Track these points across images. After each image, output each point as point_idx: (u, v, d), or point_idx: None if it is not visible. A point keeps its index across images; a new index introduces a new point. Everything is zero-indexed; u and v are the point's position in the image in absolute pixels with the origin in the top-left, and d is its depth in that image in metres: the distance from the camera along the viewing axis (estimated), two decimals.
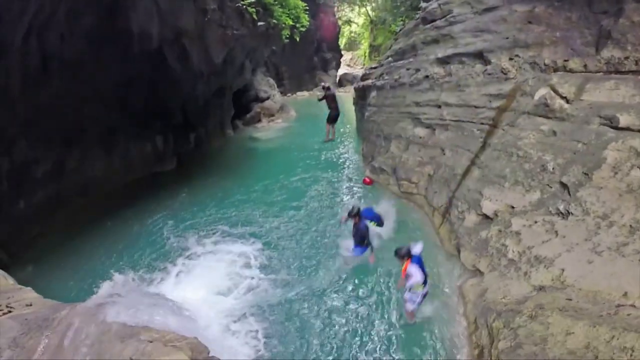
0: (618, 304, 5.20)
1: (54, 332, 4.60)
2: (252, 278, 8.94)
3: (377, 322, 7.53)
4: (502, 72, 10.66)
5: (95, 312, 5.08)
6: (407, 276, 7.09)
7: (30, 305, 5.24)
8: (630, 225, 6.08)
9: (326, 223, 11.32)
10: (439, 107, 12.39)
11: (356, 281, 8.72)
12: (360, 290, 8.41)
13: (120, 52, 13.30)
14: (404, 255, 7.25)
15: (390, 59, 16.88)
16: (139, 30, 13.23)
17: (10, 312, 4.94)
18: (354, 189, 14.21)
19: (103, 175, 14.14)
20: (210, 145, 21.74)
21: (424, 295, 7.37)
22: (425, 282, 7.24)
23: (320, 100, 17.43)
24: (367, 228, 9.06)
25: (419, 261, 7.29)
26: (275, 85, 33.60)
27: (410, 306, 7.39)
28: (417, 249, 7.41)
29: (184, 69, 16.53)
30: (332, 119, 17.93)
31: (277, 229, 11.10)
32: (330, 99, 17.25)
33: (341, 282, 8.72)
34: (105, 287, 7.48)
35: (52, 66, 11.16)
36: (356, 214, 9.16)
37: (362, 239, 9.07)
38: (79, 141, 12.99)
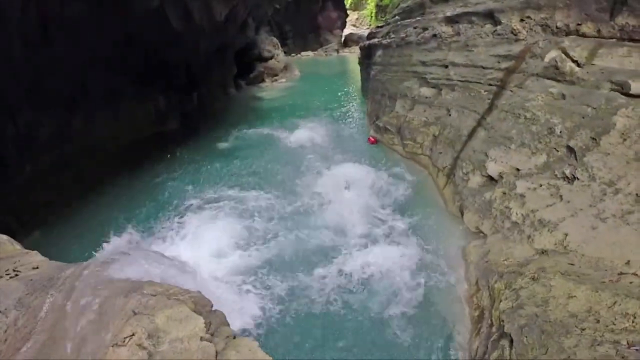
0: (620, 271, 5.22)
1: (58, 290, 4.63)
2: (255, 238, 8.94)
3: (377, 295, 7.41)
4: (512, 33, 10.43)
5: (100, 270, 5.11)
6: None
7: (37, 267, 5.26)
8: (637, 194, 6.04)
9: (328, 181, 11.25)
10: (446, 66, 12.18)
11: (356, 241, 8.68)
12: (360, 252, 8.33)
13: (120, 12, 12.90)
14: None
15: (397, 17, 16.56)
16: None
17: (17, 275, 4.96)
18: (358, 149, 14.12)
19: (108, 136, 14.03)
20: (213, 104, 21.58)
21: None
22: None
23: None
24: None
25: None
26: (279, 45, 33.12)
27: None
28: None
29: (186, 27, 16.20)
30: None
31: (280, 189, 11.08)
32: None
33: (343, 241, 8.69)
34: (110, 246, 7.54)
35: (52, 30, 10.86)
36: None
37: None
38: (82, 103, 12.84)
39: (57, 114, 11.76)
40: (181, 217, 9.95)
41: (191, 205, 10.48)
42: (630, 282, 4.95)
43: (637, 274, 5.10)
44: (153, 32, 14.89)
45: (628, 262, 5.32)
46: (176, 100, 18.29)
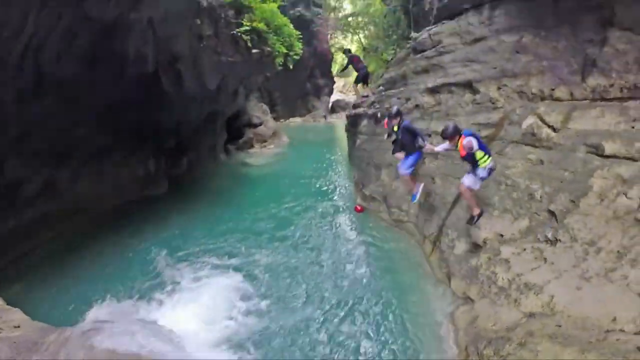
0: (607, 329, 5.26)
1: (42, 356, 4.57)
2: (242, 308, 8.78)
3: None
4: (490, 101, 10.84)
5: (84, 338, 5.06)
6: (467, 150, 7.56)
7: (19, 327, 5.20)
8: (618, 251, 6.18)
9: (315, 254, 11.22)
10: (429, 135, 12.45)
11: (345, 311, 8.60)
12: (349, 322, 8.28)
13: (115, 73, 13.24)
14: (452, 133, 7.76)
15: (381, 87, 17.11)
16: (135, 53, 13.23)
17: None
18: (345, 217, 14.16)
19: (94, 196, 14.06)
20: (202, 169, 21.75)
21: (491, 170, 7.85)
22: (489, 154, 7.74)
23: (344, 68, 19.24)
24: (410, 129, 9.44)
25: (473, 134, 7.73)
26: (269, 111, 33.85)
27: (477, 186, 8.03)
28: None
29: (178, 93, 16.61)
30: (362, 78, 19.01)
31: (266, 259, 10.94)
32: (356, 60, 18.51)
33: (330, 311, 8.60)
34: (94, 312, 7.43)
35: (45, 85, 11.05)
36: (397, 114, 9.63)
37: (408, 144, 9.37)
38: (70, 161, 12.93)
39: (45, 168, 11.88)
40: (168, 284, 9.79)
41: (179, 272, 10.31)
42: (617, 340, 4.99)
43: (623, 330, 5.13)
44: (146, 96, 15.20)
45: (614, 319, 5.37)
46: (166, 164, 18.40)
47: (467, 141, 7.61)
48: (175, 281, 9.92)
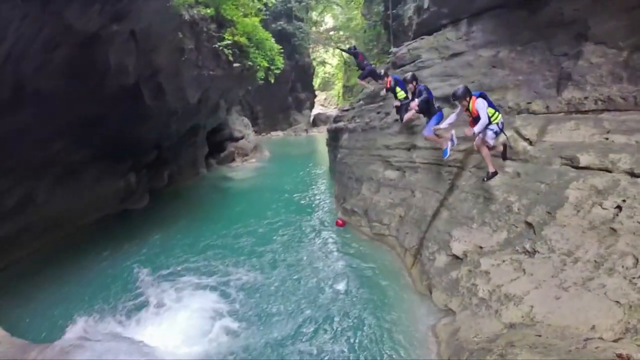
0: (586, 337, 5.30)
1: None
2: (221, 326, 8.57)
3: None
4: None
5: (64, 355, 4.99)
6: (479, 111, 8.15)
7: None
8: (595, 261, 6.28)
9: (295, 270, 11.03)
10: (409, 150, 12.66)
11: (324, 328, 8.43)
12: (332, 336, 8.14)
13: (95, 86, 13.02)
14: (462, 94, 8.41)
15: (361, 102, 17.26)
16: (116, 65, 13.05)
17: None
18: (325, 232, 14.03)
19: (74, 210, 13.88)
20: (183, 183, 21.71)
21: (502, 124, 8.49)
22: (498, 111, 8.43)
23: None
24: (425, 90, 10.22)
25: (484, 95, 8.44)
26: (250, 125, 33.88)
27: (491, 141, 8.49)
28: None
29: (159, 107, 16.54)
30: (369, 73, 16.60)
31: (246, 277, 10.68)
32: (361, 58, 17.19)
33: (311, 327, 8.44)
34: (74, 329, 7.30)
35: (24, 95, 10.78)
36: (413, 79, 10.64)
37: (427, 107, 10.15)
38: (49, 173, 12.76)
39: (23, 180, 11.70)
40: (149, 301, 9.64)
41: (159, 289, 10.14)
42: (596, 347, 5.01)
43: (602, 338, 5.19)
44: (126, 109, 15.05)
45: (593, 327, 5.45)
46: (146, 178, 18.30)
47: (480, 105, 8.18)
48: (156, 298, 9.75)
